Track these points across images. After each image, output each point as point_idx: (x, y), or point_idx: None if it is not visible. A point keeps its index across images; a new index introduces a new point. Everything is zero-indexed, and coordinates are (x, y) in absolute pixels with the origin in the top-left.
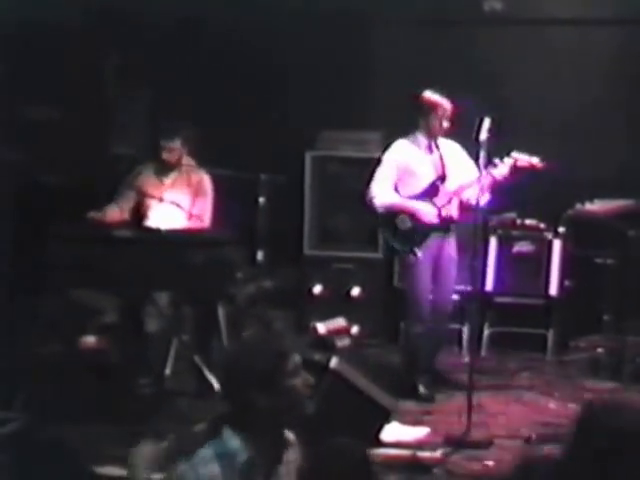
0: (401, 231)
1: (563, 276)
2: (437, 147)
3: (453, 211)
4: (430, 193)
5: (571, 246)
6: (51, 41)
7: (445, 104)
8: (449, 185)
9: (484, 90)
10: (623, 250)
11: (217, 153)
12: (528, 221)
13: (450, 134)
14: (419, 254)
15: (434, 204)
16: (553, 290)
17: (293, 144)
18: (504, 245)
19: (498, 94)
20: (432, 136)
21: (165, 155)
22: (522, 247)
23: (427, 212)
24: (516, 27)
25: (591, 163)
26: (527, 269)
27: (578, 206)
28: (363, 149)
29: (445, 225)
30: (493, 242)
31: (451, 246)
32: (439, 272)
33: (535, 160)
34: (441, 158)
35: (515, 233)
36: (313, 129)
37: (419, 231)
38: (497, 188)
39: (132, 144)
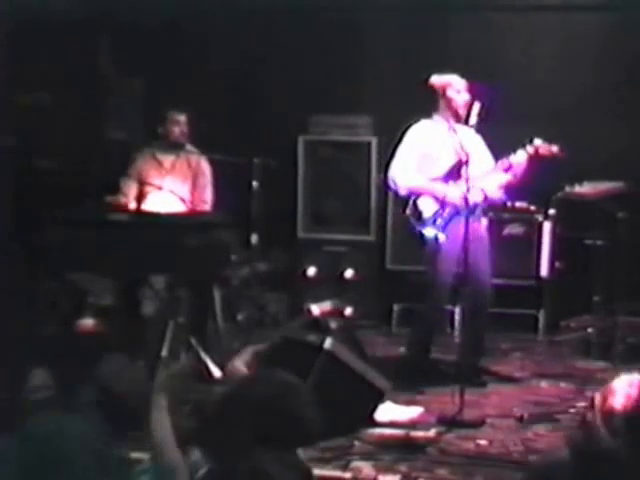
0: (426, 215)
1: (553, 257)
2: (456, 130)
3: (477, 195)
4: (453, 177)
5: (561, 228)
6: (49, 28)
7: (455, 81)
8: (471, 170)
9: (475, 75)
10: (613, 232)
11: (211, 138)
12: (518, 203)
13: (471, 109)
14: (443, 238)
15: (458, 188)
16: (544, 271)
17: (286, 128)
18: (495, 227)
19: (489, 79)
20: (452, 117)
21: (169, 127)
22: (513, 229)
23: (454, 195)
24: (507, 12)
25: (580, 146)
26: (518, 251)
27: (567, 188)
28: (354, 133)
29: (470, 209)
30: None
31: (481, 228)
32: (470, 256)
33: (555, 148)
34: (462, 142)
35: (506, 215)
36: (305, 113)
37: (444, 215)
38: (518, 176)
39: (129, 129)
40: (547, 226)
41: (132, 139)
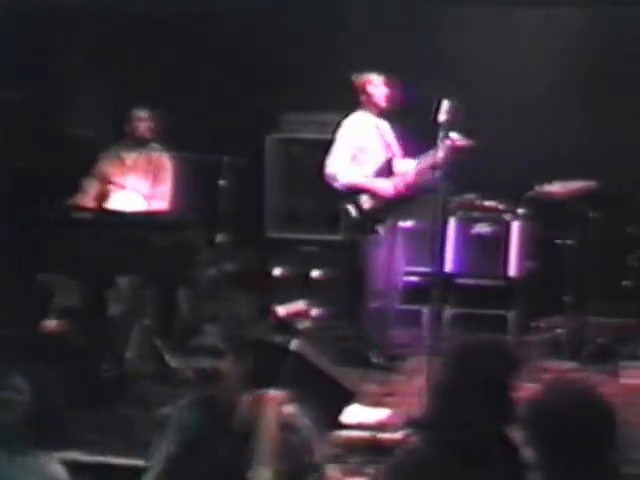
0: (364, 210)
1: (523, 257)
2: (381, 124)
3: (405, 190)
4: (384, 172)
5: (531, 227)
6: (17, 23)
7: (373, 77)
8: (398, 165)
9: (444, 72)
10: (583, 231)
11: (179, 136)
12: (487, 202)
13: (394, 104)
14: (381, 232)
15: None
16: (513, 271)
17: (255, 126)
18: (464, 226)
19: (458, 76)
20: (374, 112)
21: (134, 124)
22: (482, 228)
23: (386, 188)
24: (476, 8)
25: (551, 144)
26: (487, 250)
27: (537, 187)
28: (325, 131)
29: (401, 204)
30: (452, 223)
31: (404, 226)
32: (394, 251)
33: (468, 141)
34: (386, 136)
35: (475, 214)
36: (275, 111)
37: (381, 209)
38: (440, 169)
39: (97, 127)
40: (516, 225)
41: (100, 137)
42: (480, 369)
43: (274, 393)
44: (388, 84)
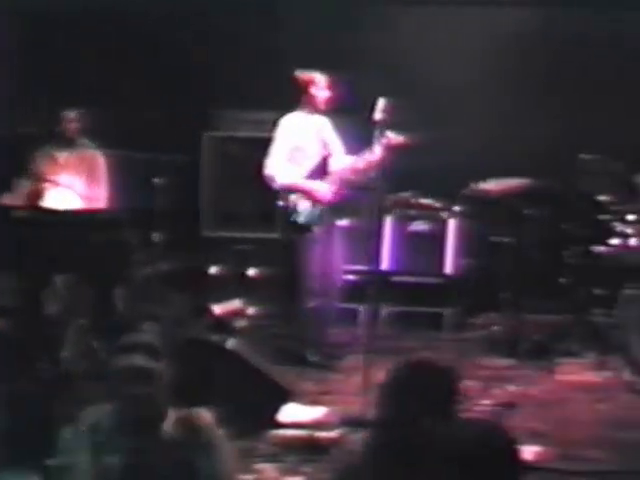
0: (299, 210)
1: (459, 255)
2: (318, 123)
3: (341, 190)
4: (320, 171)
5: (467, 225)
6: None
7: (317, 78)
8: (334, 163)
9: (382, 70)
10: (519, 228)
11: (115, 133)
12: (424, 200)
13: (334, 105)
14: (316, 231)
15: (327, 183)
16: (449, 269)
17: (192, 124)
18: (400, 224)
19: (394, 75)
20: (313, 112)
21: (63, 124)
22: (418, 226)
23: (323, 192)
24: (416, 7)
25: (486, 143)
26: (423, 248)
27: (473, 185)
28: (262, 129)
29: (337, 204)
30: (389, 221)
31: (340, 225)
32: (331, 250)
33: (404, 139)
34: (323, 135)
35: (411, 213)
36: (212, 109)
37: (316, 210)
38: (377, 167)
39: (33, 124)
40: (452, 223)
41: (39, 133)
42: (420, 399)
43: (205, 412)
44: (331, 86)
